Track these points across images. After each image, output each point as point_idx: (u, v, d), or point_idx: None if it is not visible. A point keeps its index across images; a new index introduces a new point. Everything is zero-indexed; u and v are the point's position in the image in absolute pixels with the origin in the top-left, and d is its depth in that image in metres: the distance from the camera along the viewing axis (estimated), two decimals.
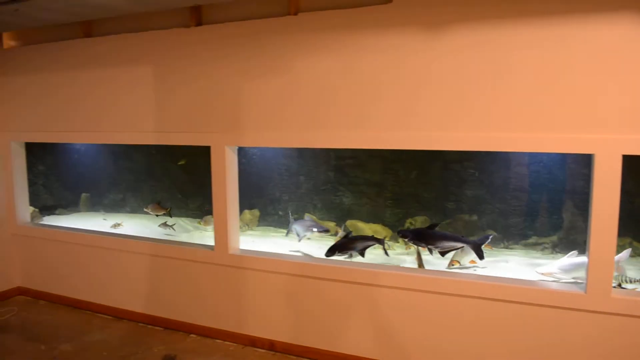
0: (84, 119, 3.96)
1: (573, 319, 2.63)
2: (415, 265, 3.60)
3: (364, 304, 3.12)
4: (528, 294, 2.71)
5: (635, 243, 3.70)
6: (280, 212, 4.89)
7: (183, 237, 4.62)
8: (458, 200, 4.15)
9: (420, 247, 3.52)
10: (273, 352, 3.39)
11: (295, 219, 4.29)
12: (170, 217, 4.95)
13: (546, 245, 3.92)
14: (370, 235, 3.72)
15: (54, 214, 5.62)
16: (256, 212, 4.99)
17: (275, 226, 4.95)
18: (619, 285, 3.02)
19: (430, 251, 3.22)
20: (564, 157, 3.76)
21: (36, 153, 5.41)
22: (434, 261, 3.65)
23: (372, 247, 3.51)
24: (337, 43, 3.02)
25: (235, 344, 3.51)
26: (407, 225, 4.28)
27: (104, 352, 3.42)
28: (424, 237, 3.22)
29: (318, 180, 4.64)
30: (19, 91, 4.27)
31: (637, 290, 2.91)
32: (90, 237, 4.12)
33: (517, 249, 3.99)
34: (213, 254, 3.55)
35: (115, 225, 4.89)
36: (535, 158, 3.85)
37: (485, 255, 3.15)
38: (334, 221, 4.55)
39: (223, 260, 3.52)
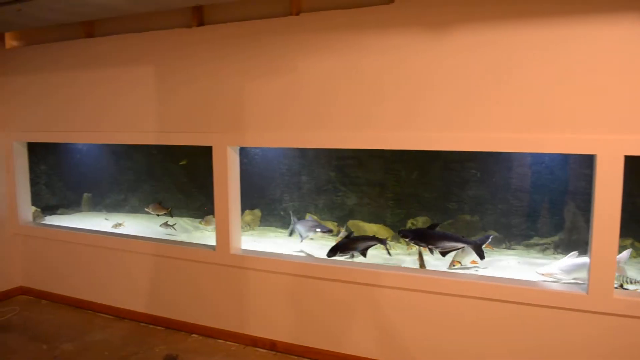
0: (86, 119, 3.97)
1: (575, 319, 2.63)
2: (414, 265, 3.59)
3: (366, 304, 3.12)
4: (530, 294, 2.70)
5: (637, 244, 3.70)
6: (281, 212, 4.89)
7: (182, 237, 4.62)
8: (459, 201, 4.14)
9: (421, 248, 3.52)
10: (274, 352, 3.39)
11: (298, 219, 4.28)
12: (172, 216, 4.95)
13: (548, 246, 3.91)
14: (371, 235, 3.72)
15: (55, 213, 5.63)
16: (257, 212, 4.99)
17: (276, 226, 4.95)
18: (621, 286, 3.02)
19: (431, 251, 3.22)
20: (565, 157, 3.76)
21: (38, 153, 5.42)
22: (432, 262, 3.65)
23: (373, 247, 3.50)
24: (339, 43, 3.02)
25: (236, 344, 3.52)
26: (408, 225, 4.28)
27: (105, 351, 3.43)
28: (424, 237, 3.22)
29: (319, 180, 4.64)
30: (21, 91, 4.27)
31: (638, 291, 2.90)
32: (92, 237, 4.12)
33: (519, 249, 3.99)
34: (215, 254, 3.56)
35: (117, 225, 4.89)
36: (537, 158, 3.85)
37: (486, 255, 3.15)
38: (335, 221, 4.55)
39: (224, 260, 3.52)
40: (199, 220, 5.12)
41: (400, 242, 4.25)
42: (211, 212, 4.95)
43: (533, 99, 2.61)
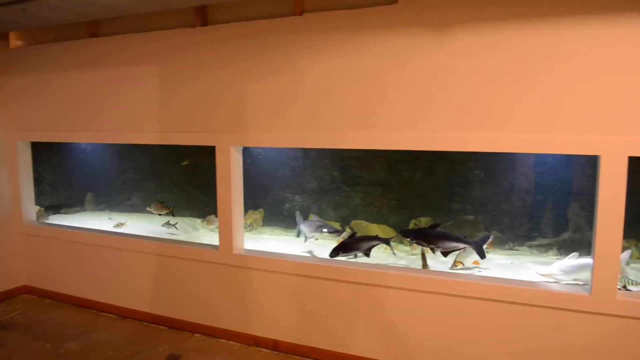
0: (90, 118, 3.98)
1: (577, 320, 2.63)
2: (410, 265, 3.59)
3: (369, 305, 3.12)
4: (533, 295, 2.70)
5: None
6: (284, 212, 4.90)
7: (180, 237, 4.63)
8: (463, 201, 4.14)
9: (424, 248, 3.52)
10: (277, 352, 3.40)
11: (303, 220, 4.27)
12: (173, 216, 4.96)
13: (551, 247, 3.90)
14: (375, 235, 3.72)
15: (59, 213, 5.65)
16: (259, 213, 4.99)
17: (279, 226, 4.95)
18: (624, 287, 3.01)
19: (433, 251, 3.23)
20: (569, 158, 3.75)
21: (42, 152, 5.43)
22: (435, 265, 3.65)
23: (376, 247, 3.50)
24: (342, 43, 3.02)
25: (239, 344, 3.52)
26: (411, 226, 4.28)
27: (108, 351, 3.43)
28: (426, 237, 3.22)
29: (322, 180, 4.64)
30: (26, 91, 4.29)
31: None
32: (96, 237, 4.13)
33: (522, 250, 3.98)
34: (217, 254, 3.56)
35: (119, 225, 4.90)
36: (540, 159, 3.84)
37: (486, 255, 3.14)
38: (339, 221, 4.55)
39: (227, 260, 3.52)
40: (201, 219, 5.13)
41: (403, 243, 4.25)
42: (211, 212, 4.98)
43: (536, 100, 2.61)
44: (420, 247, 3.50)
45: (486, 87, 2.70)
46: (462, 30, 2.73)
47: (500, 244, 4.03)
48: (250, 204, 4.88)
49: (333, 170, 4.57)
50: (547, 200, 3.89)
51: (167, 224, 4.86)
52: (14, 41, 4.34)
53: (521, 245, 4.00)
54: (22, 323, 3.92)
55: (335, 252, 3.41)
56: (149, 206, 4.96)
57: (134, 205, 5.66)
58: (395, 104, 2.92)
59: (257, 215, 4.97)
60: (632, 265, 3.53)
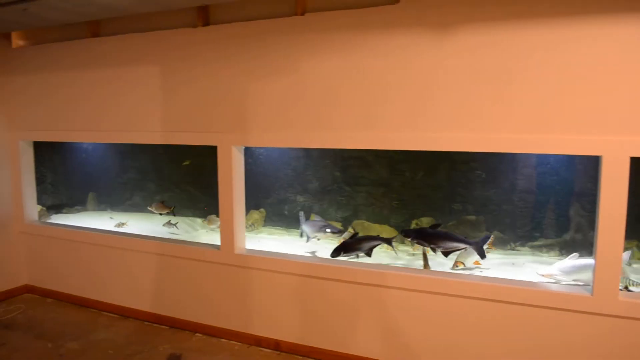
0: (91, 118, 3.99)
1: (579, 321, 2.62)
2: (409, 265, 3.59)
3: (370, 305, 3.12)
4: (534, 295, 2.70)
5: None
6: (285, 212, 4.90)
7: (180, 236, 4.64)
8: (464, 202, 4.14)
9: (425, 248, 3.52)
10: (278, 352, 3.40)
11: (305, 220, 4.26)
12: (174, 215, 4.97)
13: (552, 247, 3.90)
14: (376, 234, 3.72)
15: (61, 212, 5.66)
16: (259, 213, 5.00)
17: (280, 226, 4.95)
18: (626, 288, 3.00)
19: (434, 250, 3.23)
20: (571, 158, 3.75)
21: (44, 152, 5.45)
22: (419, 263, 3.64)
23: (377, 247, 3.50)
24: (344, 43, 3.02)
25: (240, 344, 3.52)
26: (412, 226, 4.27)
27: (110, 350, 3.44)
28: (427, 237, 3.22)
29: (324, 180, 4.64)
30: (28, 90, 4.29)
31: None
32: (97, 236, 4.14)
33: (524, 250, 3.98)
34: (219, 254, 3.56)
35: (120, 225, 4.91)
36: (542, 159, 3.84)
37: (487, 254, 3.14)
38: (340, 221, 4.55)
39: (229, 260, 3.53)
40: (202, 219, 5.14)
41: (404, 243, 4.24)
42: (211, 211, 5.00)
43: (538, 100, 2.60)
44: (421, 247, 3.50)
45: (487, 87, 2.70)
46: (463, 31, 2.72)
47: (501, 244, 4.03)
48: (251, 204, 4.88)
49: (334, 170, 4.57)
50: (548, 201, 3.89)
51: (168, 223, 4.87)
52: (16, 41, 4.35)
53: (523, 245, 3.99)
54: (24, 322, 3.93)
55: (336, 252, 3.41)
56: (150, 206, 4.97)
57: (135, 205, 5.67)
58: (396, 104, 2.92)
59: (257, 215, 4.97)
60: (635, 265, 3.52)
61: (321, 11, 3.08)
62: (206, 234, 4.84)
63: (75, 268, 4.28)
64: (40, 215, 4.87)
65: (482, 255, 3.14)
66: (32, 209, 4.57)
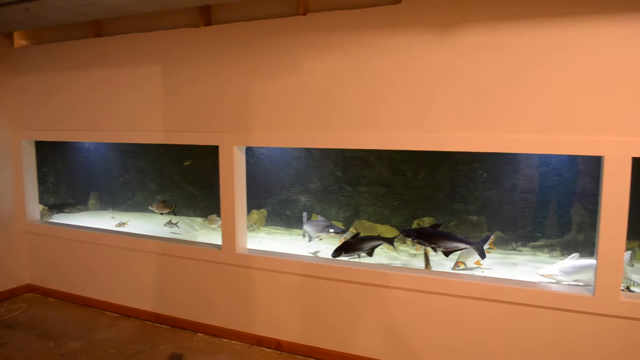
0: (94, 118, 3.99)
1: (581, 321, 2.62)
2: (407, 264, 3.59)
3: (372, 305, 3.12)
4: (536, 296, 2.69)
5: None
6: (287, 212, 4.90)
7: (181, 236, 4.65)
8: (466, 202, 4.13)
9: (427, 248, 3.52)
10: (280, 352, 3.40)
11: (308, 220, 4.26)
12: (175, 215, 4.98)
13: (554, 247, 3.89)
14: (377, 234, 3.72)
15: (63, 212, 5.66)
16: (260, 213, 5.00)
17: (281, 226, 4.95)
18: (627, 288, 3.00)
19: (434, 250, 3.23)
20: (573, 159, 3.74)
21: (46, 152, 5.45)
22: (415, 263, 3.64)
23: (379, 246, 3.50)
24: (346, 43, 3.02)
25: (241, 343, 3.52)
26: (414, 226, 4.27)
27: (111, 349, 3.44)
28: (427, 237, 3.22)
29: (326, 180, 4.64)
30: (30, 90, 4.30)
31: None
32: (99, 236, 4.14)
33: (525, 251, 3.97)
34: (220, 253, 3.56)
35: (121, 224, 4.92)
36: (544, 160, 3.84)
37: (488, 254, 3.14)
38: (342, 221, 4.55)
39: (230, 260, 3.53)
40: (202, 219, 5.14)
41: (405, 243, 4.24)
42: (211, 211, 5.00)
43: (540, 100, 2.60)
44: (422, 247, 3.49)
45: (490, 87, 2.70)
46: (466, 31, 2.72)
47: (503, 244, 4.02)
48: (252, 204, 4.88)
49: (336, 170, 4.57)
50: (550, 201, 3.88)
51: (169, 223, 4.88)
52: (18, 41, 4.36)
53: (524, 245, 3.99)
54: (26, 321, 3.93)
55: (337, 252, 3.41)
56: (151, 205, 4.98)
57: (136, 205, 5.68)
58: (398, 104, 2.92)
59: (257, 215, 4.97)
60: (637, 265, 3.52)
61: (323, 11, 3.08)
62: (204, 234, 4.84)
63: (77, 267, 4.29)
64: (42, 215, 4.88)
65: (482, 255, 3.14)
66: (34, 208, 4.58)
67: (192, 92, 3.53)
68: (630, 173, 2.44)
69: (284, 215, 4.92)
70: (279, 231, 4.88)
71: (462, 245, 3.16)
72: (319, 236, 4.00)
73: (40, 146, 4.70)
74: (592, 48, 2.49)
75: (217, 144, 3.46)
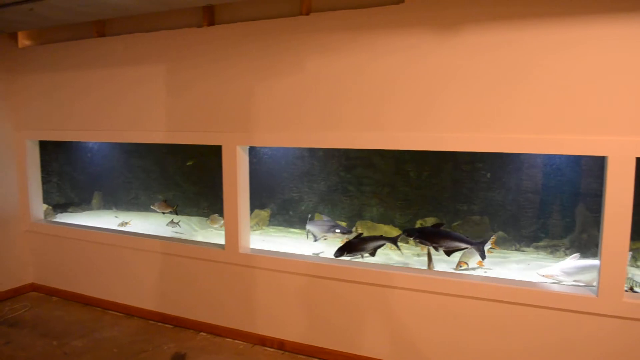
0: (97, 118, 4.00)
1: (584, 322, 2.61)
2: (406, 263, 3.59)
3: (375, 305, 3.12)
4: (539, 296, 2.69)
5: None
6: (290, 212, 4.90)
7: (182, 235, 4.66)
8: (469, 202, 4.13)
9: (430, 248, 3.51)
10: (282, 352, 3.40)
11: (310, 220, 4.25)
12: (177, 214, 4.99)
13: (557, 248, 3.89)
14: (380, 234, 3.71)
15: (67, 211, 5.68)
16: (264, 212, 5.00)
17: (276, 225, 4.96)
18: (631, 289, 2.99)
19: (436, 249, 3.23)
20: (576, 159, 3.73)
21: (50, 151, 5.47)
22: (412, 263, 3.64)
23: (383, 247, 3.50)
24: (349, 43, 3.02)
25: (244, 343, 3.53)
26: (417, 226, 4.27)
27: (114, 349, 3.45)
28: (429, 236, 3.22)
29: (329, 180, 4.64)
30: (34, 90, 4.32)
31: None
32: (102, 235, 4.15)
33: (528, 251, 3.97)
34: (223, 253, 3.57)
35: (123, 224, 4.93)
36: (547, 160, 3.83)
37: (489, 254, 3.13)
38: (345, 221, 4.55)
39: (233, 259, 3.53)
40: (199, 219, 5.16)
41: (408, 242, 4.24)
42: (212, 211, 5.02)
43: (544, 101, 2.59)
44: (428, 247, 3.49)
45: (492, 87, 2.69)
46: (470, 30, 2.72)
47: (506, 244, 4.02)
48: (255, 204, 4.89)
49: (339, 169, 4.57)
50: (553, 201, 3.87)
51: (171, 222, 4.90)
52: (23, 41, 4.37)
53: (527, 245, 3.98)
54: (29, 320, 3.95)
55: (340, 252, 3.41)
56: (153, 205, 5.00)
57: (139, 204, 5.69)
58: (402, 104, 2.92)
59: (254, 219, 4.98)
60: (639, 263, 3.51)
61: (326, 11, 3.08)
62: (203, 234, 4.85)
63: (80, 267, 4.30)
64: (46, 214, 4.89)
65: (483, 255, 3.14)
66: (38, 208, 4.59)
67: (196, 92, 3.54)
68: (634, 173, 2.43)
69: (281, 215, 4.92)
70: (275, 231, 4.88)
71: (463, 245, 3.16)
72: (324, 236, 4.00)
73: (45, 146, 4.72)
74: (595, 48, 2.48)
75: (220, 144, 3.46)
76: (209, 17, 3.46)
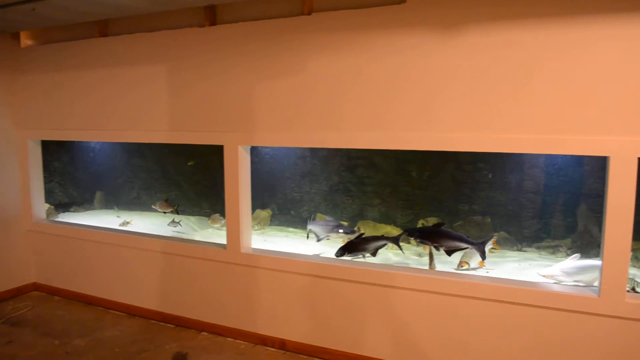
0: (99, 117, 4.01)
1: (586, 322, 2.61)
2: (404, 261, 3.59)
3: (377, 305, 3.12)
4: (541, 297, 2.68)
5: None
6: (291, 212, 4.90)
7: (183, 235, 4.67)
8: (471, 202, 4.12)
9: (432, 248, 3.51)
10: (284, 351, 3.40)
11: (313, 220, 4.25)
12: (178, 214, 5.00)
13: (560, 248, 3.88)
14: (381, 234, 3.71)
15: (69, 211, 5.69)
16: (265, 212, 5.01)
17: (287, 225, 4.96)
18: (633, 289, 2.99)
19: (437, 249, 3.23)
20: (578, 159, 3.73)
21: (52, 151, 5.48)
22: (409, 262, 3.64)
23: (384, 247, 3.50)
24: (351, 43, 3.02)
25: (246, 343, 3.53)
26: (419, 226, 4.27)
27: (116, 348, 3.46)
28: (430, 236, 3.22)
29: (330, 180, 4.64)
30: (36, 89, 4.32)
31: None
32: (104, 235, 4.16)
33: (530, 251, 3.96)
34: (225, 253, 3.57)
35: (124, 224, 4.94)
36: (549, 160, 3.82)
37: (490, 254, 3.13)
38: (346, 222, 4.55)
39: (235, 259, 3.53)
40: (200, 218, 5.17)
41: (410, 242, 4.24)
42: (213, 211, 5.02)
43: (546, 101, 2.59)
44: (430, 247, 3.49)
45: (495, 87, 2.69)
46: (472, 31, 2.72)
47: (508, 244, 4.01)
48: (256, 204, 4.89)
49: (341, 169, 4.57)
50: (555, 202, 3.87)
51: (173, 222, 4.90)
52: (25, 40, 4.38)
53: (529, 246, 3.98)
54: (31, 320, 3.95)
55: (341, 252, 3.41)
56: (154, 204, 5.01)
57: (141, 204, 5.70)
58: (403, 104, 2.92)
59: (255, 219, 4.98)
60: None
61: (328, 11, 3.08)
62: (201, 234, 4.85)
63: (82, 266, 4.30)
64: (48, 214, 4.90)
65: (483, 256, 3.14)
66: (40, 207, 4.60)
67: (197, 92, 3.54)
68: (636, 173, 2.43)
69: (282, 215, 4.92)
70: (273, 231, 4.88)
71: (464, 245, 3.16)
72: (328, 236, 3.99)
73: (47, 145, 4.72)
74: (597, 48, 2.48)
75: (221, 144, 3.46)
76: (211, 17, 3.46)
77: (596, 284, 2.84)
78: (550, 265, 3.30)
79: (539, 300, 2.69)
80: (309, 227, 4.13)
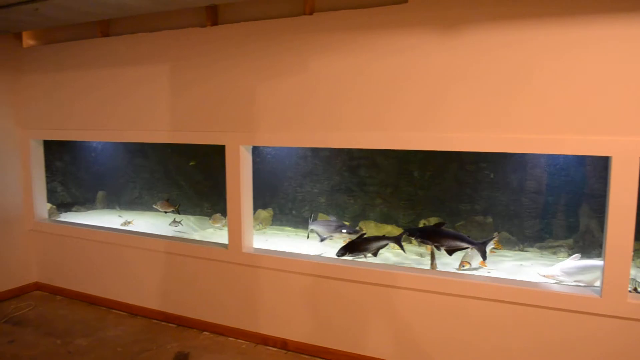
0: (101, 117, 4.01)
1: (588, 322, 2.61)
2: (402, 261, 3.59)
3: (379, 305, 3.12)
4: (543, 297, 2.68)
5: None
6: (293, 212, 4.90)
7: (185, 235, 4.67)
8: (472, 202, 4.12)
9: (434, 248, 3.51)
10: (285, 351, 3.40)
11: (314, 220, 4.25)
12: (179, 213, 5.01)
13: (562, 248, 3.88)
14: (383, 234, 3.71)
15: (71, 210, 5.70)
16: (266, 212, 5.01)
17: (288, 225, 4.96)
18: (635, 289, 2.98)
19: (438, 248, 3.23)
20: (580, 159, 3.72)
21: (54, 151, 5.49)
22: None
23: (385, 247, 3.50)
24: (353, 43, 3.02)
25: (247, 342, 3.53)
26: (420, 226, 4.27)
27: (118, 347, 3.46)
28: (430, 236, 3.22)
29: (332, 180, 4.64)
30: (38, 89, 4.33)
31: None
32: (106, 234, 4.16)
33: (532, 251, 3.96)
34: (227, 253, 3.57)
35: (126, 223, 4.94)
36: (551, 160, 3.82)
37: (491, 254, 3.13)
38: (348, 222, 4.55)
39: (237, 259, 3.54)
40: (208, 218, 5.18)
41: (411, 242, 4.24)
42: (214, 211, 5.03)
43: (548, 101, 2.59)
44: (431, 246, 3.49)
45: (497, 87, 2.69)
46: (473, 31, 2.71)
47: (509, 244, 4.01)
48: (258, 204, 4.89)
49: (343, 170, 4.57)
50: (557, 202, 3.87)
51: (174, 222, 4.91)
52: (27, 40, 4.38)
53: (531, 246, 3.97)
54: (34, 319, 3.96)
55: (342, 252, 3.40)
56: (156, 204, 5.01)
57: (143, 203, 5.71)
58: (405, 104, 2.92)
59: (256, 219, 4.99)
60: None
61: (329, 11, 3.09)
62: (201, 234, 4.86)
63: (84, 266, 4.31)
64: (50, 214, 4.91)
65: (484, 256, 3.13)
66: (42, 207, 4.61)
67: (199, 92, 3.55)
68: (638, 173, 2.42)
69: (290, 215, 4.93)
70: (272, 230, 4.88)
71: (465, 245, 3.16)
72: (331, 236, 3.99)
73: (49, 145, 4.73)
74: (599, 47, 2.47)
75: (223, 144, 3.46)
76: (213, 17, 3.46)
77: (597, 284, 2.85)
78: (542, 265, 3.30)
79: (541, 300, 2.69)
80: (311, 227, 4.13)
